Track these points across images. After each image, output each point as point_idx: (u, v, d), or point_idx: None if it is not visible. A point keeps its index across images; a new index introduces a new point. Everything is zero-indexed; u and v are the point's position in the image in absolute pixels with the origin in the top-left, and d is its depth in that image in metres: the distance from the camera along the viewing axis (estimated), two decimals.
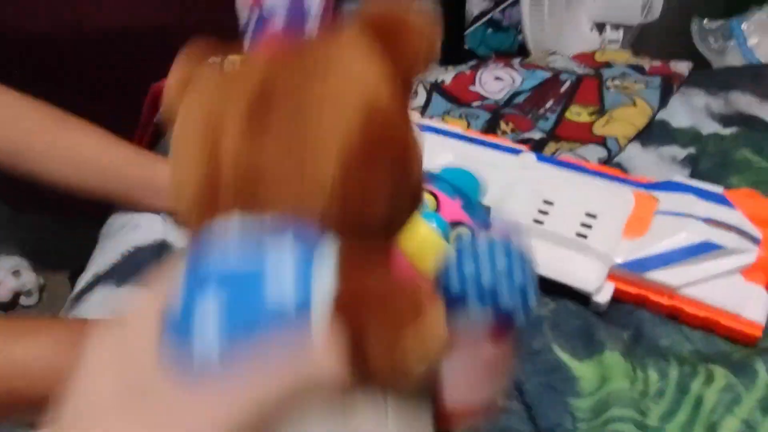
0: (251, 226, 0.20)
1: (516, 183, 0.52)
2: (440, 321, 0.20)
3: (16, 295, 1.54)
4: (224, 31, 1.15)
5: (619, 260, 0.47)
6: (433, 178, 0.42)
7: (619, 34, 1.36)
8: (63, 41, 0.93)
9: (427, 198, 0.40)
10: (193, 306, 0.19)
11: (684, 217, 0.47)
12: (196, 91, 0.23)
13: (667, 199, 0.49)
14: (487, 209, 0.43)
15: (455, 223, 0.38)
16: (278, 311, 0.19)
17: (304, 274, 0.19)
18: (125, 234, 0.63)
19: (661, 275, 0.45)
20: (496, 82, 0.77)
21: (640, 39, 1.33)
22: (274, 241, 0.20)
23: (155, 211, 0.65)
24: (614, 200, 0.50)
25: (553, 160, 0.55)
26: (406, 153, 0.23)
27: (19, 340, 0.41)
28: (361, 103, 0.21)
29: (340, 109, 0.21)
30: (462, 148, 0.57)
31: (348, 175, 0.21)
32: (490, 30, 1.88)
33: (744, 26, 1.18)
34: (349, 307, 0.19)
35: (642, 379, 0.41)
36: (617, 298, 0.47)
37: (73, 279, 1.63)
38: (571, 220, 0.49)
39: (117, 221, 0.67)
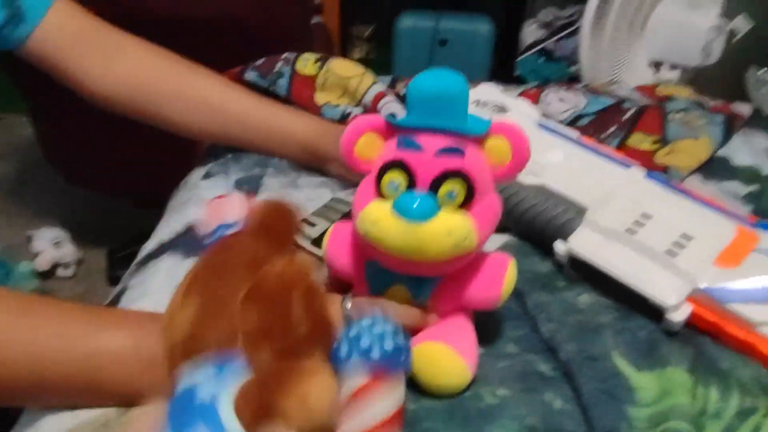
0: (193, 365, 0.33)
1: (619, 192, 0.54)
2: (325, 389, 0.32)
3: (54, 266, 1.58)
4: (296, 23, 1.18)
5: (703, 285, 0.47)
6: (401, 129, 0.40)
7: (675, 75, 1.37)
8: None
9: (396, 178, 0.38)
10: None
11: None
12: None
13: None
14: (485, 120, 0.40)
15: (448, 174, 0.37)
16: (202, 406, 0.31)
17: (217, 385, 0.31)
18: (189, 207, 0.66)
19: (743, 309, 0.45)
20: (560, 103, 0.78)
21: (693, 82, 1.33)
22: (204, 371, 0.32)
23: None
24: (714, 228, 0.50)
25: (662, 180, 0.56)
26: (289, 297, 0.34)
27: (105, 329, 0.39)
28: (253, 272, 0.34)
29: (240, 278, 0.34)
30: (573, 150, 0.59)
31: (248, 318, 0.33)
32: (542, 59, 1.90)
33: None
34: (246, 400, 0.31)
35: (702, 397, 0.42)
36: (691, 322, 0.47)
37: (111, 256, 1.66)
38: (665, 236, 0.49)
39: (182, 196, 0.70)
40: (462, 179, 0.38)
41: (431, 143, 0.39)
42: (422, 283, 0.43)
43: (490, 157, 0.40)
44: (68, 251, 1.61)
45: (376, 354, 0.35)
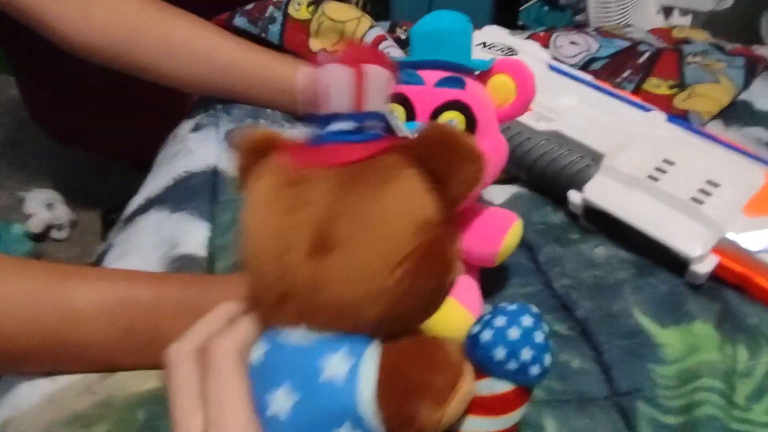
0: (317, 337, 0.26)
1: (638, 137, 0.50)
2: (469, 389, 0.26)
3: (48, 228, 1.55)
4: None
5: (731, 234, 0.43)
6: (401, 65, 0.39)
7: (687, 21, 1.31)
8: None
9: (396, 110, 0.38)
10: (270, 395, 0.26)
11: None
12: (263, 199, 0.27)
13: None
14: (485, 62, 0.39)
15: (448, 104, 0.36)
16: (334, 407, 0.25)
17: (351, 379, 0.25)
18: (178, 160, 0.62)
19: None
20: (572, 46, 0.73)
21: (705, 29, 1.28)
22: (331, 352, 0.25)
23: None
24: (742, 174, 0.47)
25: (684, 124, 0.52)
26: (447, 264, 0.26)
27: (70, 283, 0.37)
28: (413, 223, 0.25)
29: (395, 230, 0.25)
30: (588, 94, 0.55)
31: (399, 285, 0.25)
32: (546, 8, 1.83)
33: None
34: (389, 395, 0.25)
35: (731, 355, 0.39)
36: (716, 274, 0.44)
37: (105, 218, 1.63)
38: (689, 183, 0.46)
39: (171, 149, 0.66)
40: (462, 111, 0.37)
41: (432, 77, 0.38)
42: None
43: (494, 95, 0.39)
44: (61, 213, 1.58)
45: (535, 370, 0.28)
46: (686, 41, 0.80)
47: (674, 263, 0.44)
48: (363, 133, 0.26)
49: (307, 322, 0.26)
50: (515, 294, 0.45)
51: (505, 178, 0.55)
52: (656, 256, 0.45)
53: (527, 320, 0.28)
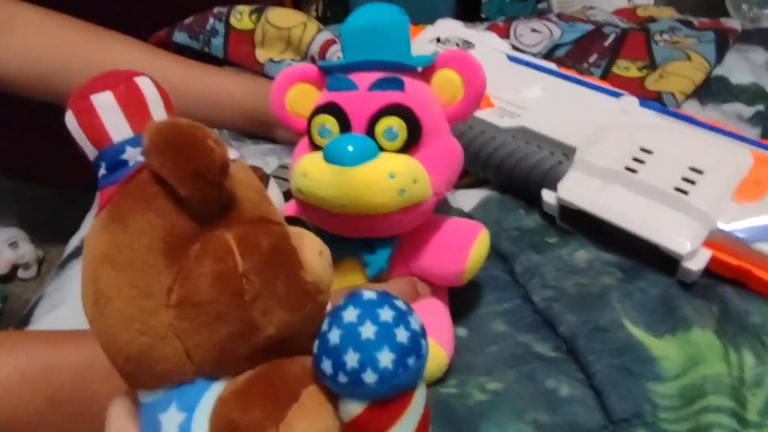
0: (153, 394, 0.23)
1: (611, 126, 0.46)
2: (313, 422, 0.22)
3: (14, 268, 1.49)
4: None
5: (722, 225, 0.39)
6: (331, 70, 0.35)
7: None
8: None
9: (327, 122, 0.33)
10: None
11: None
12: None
13: None
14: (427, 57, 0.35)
15: (385, 109, 0.32)
16: None
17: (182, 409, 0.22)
18: None
19: None
20: (533, 34, 0.69)
21: (670, 4, 1.26)
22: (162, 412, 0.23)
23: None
24: (727, 157, 0.43)
25: (659, 108, 0.48)
26: (231, 279, 0.22)
27: None
28: (162, 247, 0.22)
29: (145, 260, 0.22)
30: (553, 83, 0.51)
31: (181, 317, 0.22)
32: None
33: None
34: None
35: (737, 364, 0.34)
36: (710, 268, 0.40)
37: None
38: (670, 173, 0.42)
39: None
40: (402, 115, 0.32)
41: (365, 80, 0.33)
42: (375, 254, 0.35)
43: (440, 94, 0.35)
44: (27, 251, 1.52)
45: (370, 378, 0.21)
46: (652, 20, 0.76)
47: (663, 262, 0.40)
48: (123, 166, 0.24)
49: (132, 384, 0.24)
50: (491, 312, 0.40)
51: (471, 182, 0.51)
52: (643, 256, 0.41)
53: (349, 314, 0.22)
